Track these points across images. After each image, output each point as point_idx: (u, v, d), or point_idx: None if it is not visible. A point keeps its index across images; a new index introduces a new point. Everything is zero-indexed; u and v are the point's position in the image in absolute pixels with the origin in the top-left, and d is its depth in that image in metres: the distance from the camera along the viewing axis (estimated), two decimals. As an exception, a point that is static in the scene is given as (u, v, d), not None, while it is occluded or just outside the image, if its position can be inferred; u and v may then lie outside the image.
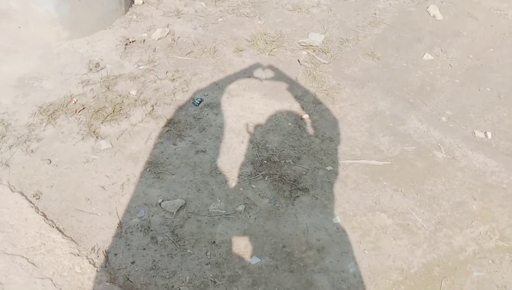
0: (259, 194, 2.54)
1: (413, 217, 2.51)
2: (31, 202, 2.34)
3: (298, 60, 3.56)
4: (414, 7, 4.36)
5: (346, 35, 3.89)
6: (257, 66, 3.45)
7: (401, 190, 2.65)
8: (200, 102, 3.02)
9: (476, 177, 2.77)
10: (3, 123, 2.79)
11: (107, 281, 2.06)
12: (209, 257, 2.23)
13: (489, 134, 3.08)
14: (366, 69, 3.55)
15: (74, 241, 2.20)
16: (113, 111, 2.93)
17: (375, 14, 4.18)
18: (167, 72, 3.31)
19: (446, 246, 2.39)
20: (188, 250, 2.24)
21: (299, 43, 3.73)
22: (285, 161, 2.75)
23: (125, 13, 3.87)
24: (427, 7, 4.31)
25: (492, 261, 2.34)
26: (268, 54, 3.58)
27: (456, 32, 4.11)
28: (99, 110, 2.94)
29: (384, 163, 2.81)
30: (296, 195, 2.55)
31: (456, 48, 3.91)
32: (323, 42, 3.77)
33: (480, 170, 2.82)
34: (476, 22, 4.27)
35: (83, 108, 2.94)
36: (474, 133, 3.07)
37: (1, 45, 3.38)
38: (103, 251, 2.18)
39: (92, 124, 2.84)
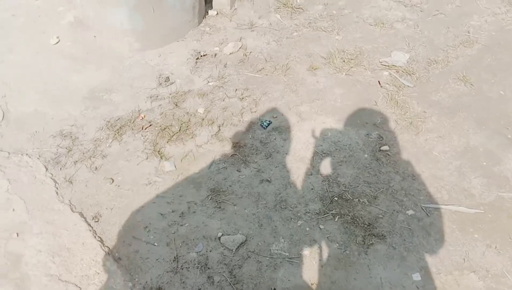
0: (327, 237, 2.28)
1: (510, 281, 2.12)
2: (90, 225, 2.27)
3: (379, 81, 3.24)
4: (515, 24, 3.85)
5: (434, 55, 3.49)
6: (332, 87, 3.18)
7: (496, 247, 2.27)
8: (269, 124, 2.82)
9: None
10: (71, 137, 2.77)
11: (157, 324, 1.91)
12: (271, 306, 2.01)
13: None
14: (456, 96, 3.15)
15: (129, 272, 2.09)
16: (179, 130, 2.81)
17: (468, 32, 3.73)
18: (236, 90, 3.14)
19: (553, 324, 1.98)
20: (246, 295, 2.04)
21: (380, 62, 3.40)
22: (359, 200, 2.46)
23: (198, 24, 3.76)
24: (532, 25, 3.78)
25: None
26: (346, 74, 3.29)
27: None
28: (165, 128, 2.84)
29: (476, 211, 2.42)
30: (371, 242, 2.26)
31: None
32: (407, 62, 3.41)
33: None
34: None
35: (150, 125, 2.86)
36: None
37: (76, 55, 3.40)
38: (157, 288, 2.04)
39: (157, 143, 2.74)
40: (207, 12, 3.93)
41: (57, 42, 3.49)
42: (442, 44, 3.63)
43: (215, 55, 3.48)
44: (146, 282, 2.07)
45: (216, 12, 3.93)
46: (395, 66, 3.37)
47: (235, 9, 4.00)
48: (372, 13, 3.98)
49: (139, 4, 3.22)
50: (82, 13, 3.55)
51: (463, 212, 2.42)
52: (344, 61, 3.39)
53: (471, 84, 3.23)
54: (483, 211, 2.42)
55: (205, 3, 3.92)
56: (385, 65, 3.38)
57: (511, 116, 3.01)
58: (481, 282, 2.12)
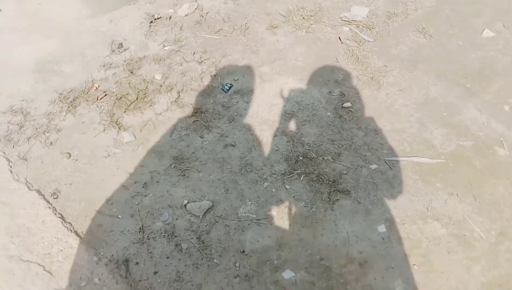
0: (294, 196, 2.28)
1: (470, 226, 2.20)
2: (49, 202, 2.18)
3: (339, 38, 3.19)
4: (472, -26, 3.84)
5: (393, 8, 3.46)
6: (293, 45, 3.11)
7: (457, 194, 2.33)
8: (230, 88, 2.75)
9: (545, 179, 2.40)
10: (22, 112, 2.62)
11: (127, 284, 1.88)
12: (237, 268, 2.01)
13: (561, 126, 2.66)
14: (416, 48, 3.15)
15: (93, 247, 2.03)
16: (137, 99, 2.70)
17: (427, -18, 3.70)
18: (194, 53, 3.03)
19: (509, 263, 2.07)
20: (215, 260, 2.03)
21: (340, 17, 3.35)
22: (323, 158, 2.46)
23: (151, -14, 3.57)
24: (488, -26, 3.77)
25: None
26: (305, 31, 3.22)
27: (522, 3, 3.59)
28: (122, 97, 2.72)
29: (438, 161, 2.47)
30: (336, 198, 2.28)
31: (522, 22, 3.42)
32: (367, 17, 3.37)
33: (550, 171, 2.44)
34: (545, -9, 3.72)
35: (105, 95, 2.73)
36: (543, 126, 2.67)
37: (21, 25, 3.18)
38: (123, 260, 2.00)
39: (114, 113, 2.63)
40: (159, -27, 3.72)
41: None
42: (402, -3, 3.59)
43: (170, 17, 3.33)
44: (112, 255, 2.02)
45: (169, -27, 3.73)
46: (355, 20, 3.32)
47: (189, -32, 3.80)
48: (330, -33, 3.88)
49: (83, -35, 3.01)
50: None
51: (425, 163, 2.46)
52: (303, 18, 3.31)
53: (430, 36, 3.23)
54: (444, 161, 2.47)
55: (157, -37, 3.70)
56: (345, 21, 3.33)
57: (469, 66, 3.04)
58: (444, 229, 2.19)
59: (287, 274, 2.01)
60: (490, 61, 3.09)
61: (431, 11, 3.44)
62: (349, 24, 3.29)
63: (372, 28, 3.26)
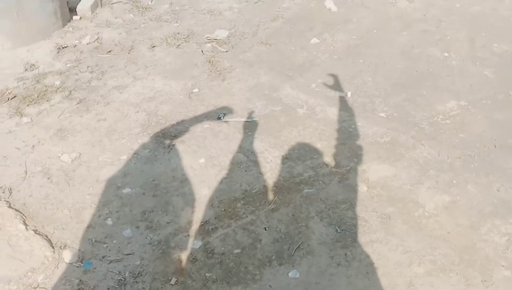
0: (142, 146, 3.18)
1: (265, 155, 3.12)
2: (-42, 160, 3.02)
3: (202, 50, 4.26)
4: (314, 3, 5.06)
5: (248, 30, 4.59)
6: (165, 57, 4.15)
7: (261, 138, 3.26)
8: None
9: (328, 125, 3.37)
10: None
11: (7, 206, 2.69)
12: (91, 190, 2.85)
13: (349, 93, 3.69)
14: (258, 54, 4.23)
15: (-13, 184, 2.86)
16: (37, 97, 3.64)
17: (278, 11, 4.88)
18: (88, 66, 4.03)
19: (287, 173, 2.97)
20: (75, 187, 2.88)
21: (206, 37, 4.44)
22: (170, 123, 3.40)
23: (63, 26, 4.64)
24: (324, 1, 5.00)
25: (323, 182, 2.92)
26: (176, 47, 4.29)
27: (347, 20, 4.78)
28: (27, 97, 3.65)
29: (253, 119, 3.43)
30: (173, 144, 3.19)
31: (343, 33, 4.58)
32: (227, 37, 4.47)
33: (332, 120, 3.42)
34: (367, 10, 4.94)
35: (14, 97, 3.66)
36: (336, 94, 3.69)
37: (-43, 57, 4.15)
38: (8, 189, 2.83)
39: (19, 107, 3.55)
40: (72, 18, 4.82)
41: None
42: (257, 22, 4.75)
43: (75, 46, 4.37)
44: (1, 187, 2.85)
45: (79, 17, 4.84)
46: (217, 39, 4.42)
47: (96, 13, 4.93)
48: (207, 6, 5.07)
49: (2, 10, 4.06)
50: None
51: (243, 121, 3.42)
52: (177, 40, 4.39)
53: (270, 45, 4.34)
54: (257, 119, 3.43)
55: (70, 11, 4.82)
56: (209, 40, 4.42)
57: (295, 63, 4.12)
58: (245, 157, 3.09)
59: (126, 190, 2.86)
60: (311, 58, 4.18)
61: (276, 30, 4.59)
62: (211, 42, 4.38)
63: (228, 43, 4.35)
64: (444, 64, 4.13)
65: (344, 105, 3.56)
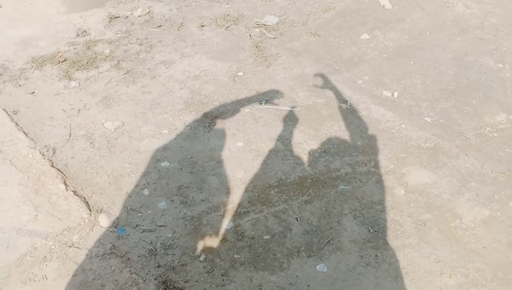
0: (184, 123, 3.22)
1: (304, 146, 3.10)
2: (9, 115, 3.14)
3: (250, 34, 4.24)
4: (367, -2, 4.95)
5: (298, 18, 4.54)
6: (213, 37, 4.16)
7: (301, 128, 3.24)
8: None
9: (371, 123, 3.31)
10: (3, 67, 3.64)
11: (50, 165, 2.79)
12: (131, 159, 2.92)
13: (396, 94, 3.61)
14: (306, 44, 4.18)
15: (33, 140, 2.97)
16: (86, 63, 3.72)
17: (330, 2, 4.80)
18: (137, 39, 4.09)
19: (324, 167, 2.95)
20: (116, 154, 2.95)
21: (255, 22, 4.42)
22: (212, 104, 3.42)
23: (117, -4, 4.72)
24: (379, -2, 4.88)
25: (360, 180, 2.88)
26: (225, 29, 4.29)
27: (400, 19, 4.65)
28: (76, 61, 3.74)
29: (295, 109, 3.41)
30: (214, 125, 3.21)
31: (395, 31, 4.46)
32: (276, 23, 4.43)
33: (376, 119, 3.36)
34: (422, 12, 4.80)
35: (65, 60, 3.76)
36: (382, 93, 3.61)
37: (15, 17, 4.29)
38: (52, 148, 2.93)
39: (68, 71, 3.64)
40: (126, -11, 4.88)
41: (0, 7, 4.38)
42: (308, 12, 4.69)
43: (127, 17, 4.44)
44: (46, 145, 2.95)
45: (133, -11, 4.90)
46: (266, 25, 4.39)
47: (150, -13, 4.97)
48: (259, -10, 5.03)
49: (62, -26, 4.16)
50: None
51: (285, 109, 3.40)
52: (226, 21, 4.39)
53: (319, 36, 4.28)
54: (299, 109, 3.41)
55: (125, -18, 4.88)
56: (258, 24, 4.40)
57: (343, 56, 4.05)
58: (284, 146, 3.08)
59: (164, 164, 2.90)
60: (360, 53, 4.10)
61: (326, 21, 4.51)
62: (260, 27, 4.36)
63: (277, 30, 4.32)
64: (498, 75, 3.97)
65: (389, 105, 3.48)
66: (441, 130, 3.27)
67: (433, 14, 4.75)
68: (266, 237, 2.47)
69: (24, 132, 3.02)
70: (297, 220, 2.57)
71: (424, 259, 2.40)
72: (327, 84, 3.68)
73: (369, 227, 2.54)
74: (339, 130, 3.24)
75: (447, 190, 2.80)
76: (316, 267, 2.33)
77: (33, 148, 2.89)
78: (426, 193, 2.77)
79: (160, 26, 4.28)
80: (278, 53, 4.01)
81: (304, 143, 3.11)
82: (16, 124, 3.08)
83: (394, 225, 2.56)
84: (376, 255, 2.40)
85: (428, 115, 3.41)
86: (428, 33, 4.46)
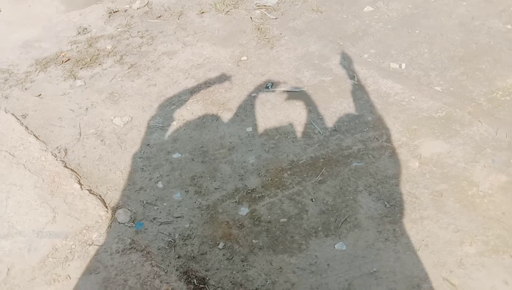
0: (191, 113, 3.21)
1: (313, 126, 3.07)
2: (18, 119, 3.17)
3: (251, 17, 4.19)
4: (368, -31, 4.83)
5: (298, -4, 4.46)
6: (213, 23, 4.12)
7: (309, 108, 3.21)
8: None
9: (380, 97, 3.27)
10: (8, 72, 3.66)
11: (63, 166, 2.81)
12: (142, 153, 2.93)
13: (403, 65, 3.54)
14: (308, 22, 4.11)
15: (44, 142, 2.99)
16: (90, 60, 3.72)
17: (329, -23, 4.70)
18: (138, 31, 4.07)
19: (335, 145, 2.93)
20: (127, 149, 2.96)
21: (255, 4, 4.35)
22: (218, 91, 3.40)
23: (114, -10, 4.68)
24: (379, -32, 4.75)
25: (372, 156, 2.85)
26: (225, 14, 4.24)
27: (403, -12, 4.54)
28: (80, 60, 3.74)
29: (301, 90, 3.37)
30: (222, 112, 3.20)
31: (399, 1, 4.36)
32: (277, 3, 4.36)
33: (385, 92, 3.31)
34: (424, -22, 4.67)
35: (68, 59, 3.76)
36: (390, 65, 3.55)
37: (15, 20, 4.29)
38: (64, 149, 2.95)
39: (73, 70, 3.64)
40: (122, -19, 4.84)
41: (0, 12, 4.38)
42: (307, -12, 4.60)
43: (126, 10, 4.40)
44: (57, 147, 2.97)
45: (130, -19, 4.85)
46: (266, 6, 4.32)
47: (146, -23, 4.92)
48: (256, -29, 4.94)
49: (57, -28, 4.13)
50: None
51: (291, 90, 3.36)
52: (226, 6, 4.33)
53: (321, 12, 4.20)
54: (305, 89, 3.37)
55: (120, -25, 4.83)
56: (258, 6, 4.34)
57: (347, 31, 3.98)
58: (293, 128, 3.06)
59: (176, 155, 2.91)
60: (364, 27, 4.02)
61: (327, -4, 4.43)
62: (260, 8, 4.29)
63: (278, 10, 4.25)
64: (507, 37, 3.87)
65: (397, 77, 3.43)
66: (452, 98, 3.21)
67: (437, -20, 4.62)
68: (282, 220, 2.47)
69: (34, 135, 3.04)
70: (312, 201, 2.57)
71: (443, 230, 2.38)
72: (332, 61, 3.63)
73: (385, 202, 2.53)
74: (348, 107, 3.21)
75: (462, 159, 2.76)
76: (335, 246, 2.33)
77: (45, 151, 2.92)
78: (440, 164, 2.74)
79: (160, 16, 4.24)
80: (280, 34, 3.95)
81: (314, 123, 3.09)
82: (26, 127, 3.10)
83: (411, 198, 2.54)
84: (394, 229, 2.39)
85: (438, 84, 3.35)
86: (433, 0, 4.35)
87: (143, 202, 2.58)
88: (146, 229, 2.44)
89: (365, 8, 4.22)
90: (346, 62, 3.60)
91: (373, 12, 4.19)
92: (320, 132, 3.02)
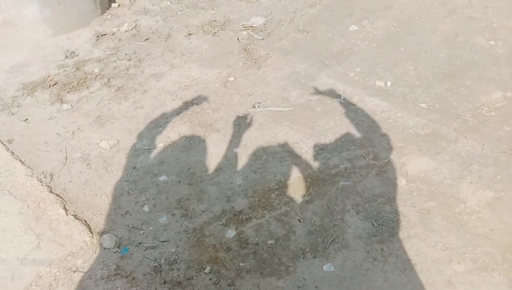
0: (178, 135, 3.21)
1: (300, 146, 3.08)
2: (4, 145, 3.14)
3: (238, 38, 4.22)
4: (352, -11, 4.91)
5: (285, 17, 4.51)
6: (201, 45, 4.15)
7: (296, 128, 3.22)
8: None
9: (366, 115, 3.29)
10: (-6, 97, 3.65)
11: (48, 191, 2.78)
12: (128, 177, 2.91)
13: (389, 83, 3.58)
14: (294, 42, 4.15)
15: (30, 168, 2.96)
16: (77, 84, 3.72)
17: (315, -3, 4.77)
18: (126, 54, 4.08)
19: (323, 164, 2.93)
20: (113, 173, 2.94)
21: (242, 25, 4.40)
22: (205, 112, 3.40)
23: (102, 14, 4.71)
24: (364, -12, 4.84)
25: (360, 174, 2.85)
26: (212, 35, 4.27)
27: (387, 6, 4.61)
28: (67, 84, 3.74)
29: (288, 109, 3.39)
30: (209, 133, 3.19)
31: (383, 19, 4.42)
32: (263, 24, 4.41)
33: (371, 110, 3.33)
34: (408, -3, 4.76)
35: (55, 83, 3.76)
36: (375, 83, 3.58)
37: (2, 45, 4.29)
38: (49, 174, 2.92)
39: (60, 94, 3.64)
40: (110, 5, 4.88)
41: (-14, 37, 4.39)
42: (294, 9, 4.66)
43: (113, 33, 4.43)
44: (43, 172, 2.94)
45: (118, 5, 4.90)
46: (253, 27, 4.37)
47: (134, 1, 4.97)
48: (243, -7, 5.01)
49: (45, -2, 4.16)
50: (7, 14, 4.44)
51: (278, 110, 3.38)
52: (213, 27, 4.37)
53: (307, 32, 4.25)
54: (292, 108, 3.39)
55: (109, -1, 4.88)
56: (245, 27, 4.38)
57: (332, 50, 4.02)
58: (280, 148, 3.06)
59: (162, 177, 2.89)
60: (350, 46, 4.07)
61: (313, 16, 4.49)
62: (247, 29, 4.34)
63: (264, 30, 4.30)
64: (490, 52, 3.93)
65: (383, 95, 3.45)
66: (438, 114, 3.24)
67: (420, -2, 4.71)
68: (270, 242, 2.45)
69: (20, 160, 3.01)
70: (300, 221, 2.55)
71: (431, 248, 2.37)
72: (319, 80, 3.66)
73: (373, 221, 2.52)
74: (335, 125, 3.22)
75: (448, 176, 2.77)
76: (323, 267, 2.31)
77: (31, 176, 2.89)
78: (427, 181, 2.74)
79: (147, 39, 4.27)
80: (267, 54, 3.99)
81: (301, 142, 3.09)
82: (12, 153, 3.07)
83: (398, 216, 2.54)
84: (382, 249, 2.38)
85: (423, 101, 3.38)
86: (417, 17, 4.43)
87: (128, 226, 2.55)
88: (132, 254, 2.40)
89: (351, 27, 4.28)
90: (332, 81, 3.63)
91: (358, 31, 4.24)
92: (307, 151, 3.02)
